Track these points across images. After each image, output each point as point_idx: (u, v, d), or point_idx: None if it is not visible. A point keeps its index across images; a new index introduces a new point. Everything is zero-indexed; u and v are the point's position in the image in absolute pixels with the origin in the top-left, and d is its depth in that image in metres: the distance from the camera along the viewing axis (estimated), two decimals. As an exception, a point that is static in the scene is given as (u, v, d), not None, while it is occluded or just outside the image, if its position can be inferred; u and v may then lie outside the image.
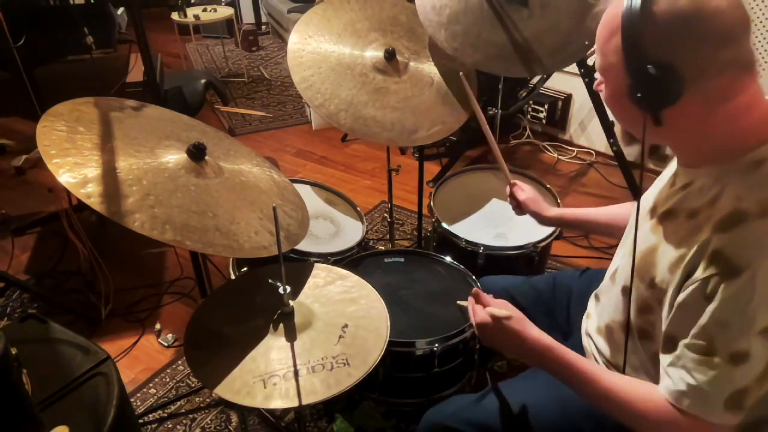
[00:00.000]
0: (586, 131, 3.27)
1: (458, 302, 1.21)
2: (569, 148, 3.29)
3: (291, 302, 1.14)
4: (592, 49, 1.29)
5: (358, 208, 1.95)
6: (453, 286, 1.54)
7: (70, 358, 1.11)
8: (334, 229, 1.87)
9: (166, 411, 1.83)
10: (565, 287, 1.39)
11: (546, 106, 3.24)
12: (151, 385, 1.92)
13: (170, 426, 1.78)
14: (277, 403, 1.01)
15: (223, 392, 1.03)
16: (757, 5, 2.43)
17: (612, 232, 1.30)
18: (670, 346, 0.86)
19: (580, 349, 1.17)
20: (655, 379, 0.97)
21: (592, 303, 1.20)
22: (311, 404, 1.07)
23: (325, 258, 1.62)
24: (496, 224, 1.82)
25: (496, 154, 1.50)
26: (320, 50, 1.73)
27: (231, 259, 1.81)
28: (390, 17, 1.87)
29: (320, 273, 1.33)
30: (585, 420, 1.07)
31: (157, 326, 2.13)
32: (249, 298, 1.24)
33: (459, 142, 2.99)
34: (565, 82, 3.20)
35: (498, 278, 1.52)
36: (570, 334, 1.31)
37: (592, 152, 3.23)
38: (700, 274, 0.80)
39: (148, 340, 2.10)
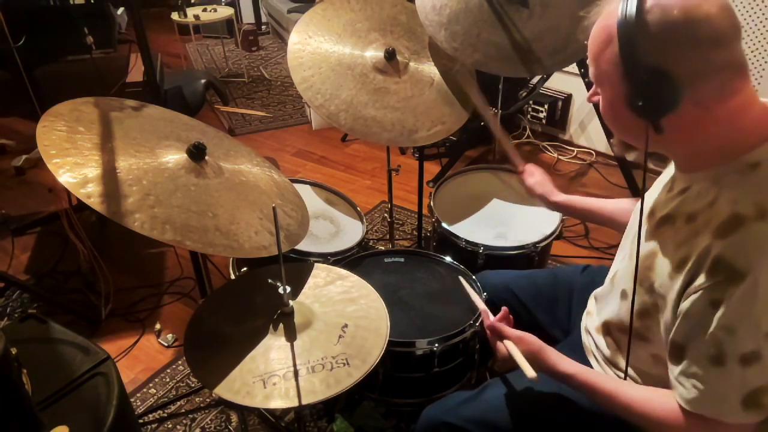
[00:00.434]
0: (586, 131, 3.27)
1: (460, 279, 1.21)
2: (569, 148, 3.29)
3: (291, 302, 1.14)
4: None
5: (358, 208, 1.95)
6: (453, 286, 1.54)
7: (70, 358, 1.11)
8: (334, 229, 1.87)
9: (166, 411, 1.83)
10: (566, 283, 1.39)
11: (546, 106, 3.23)
12: (151, 385, 1.92)
13: (170, 426, 1.78)
14: (277, 403, 1.02)
15: (223, 392, 1.03)
16: (752, 11, 2.44)
17: (612, 225, 1.31)
18: (678, 354, 0.86)
19: (580, 346, 1.18)
20: (655, 379, 0.97)
21: (592, 302, 1.21)
22: (311, 404, 1.07)
23: (325, 258, 1.62)
24: (496, 224, 1.82)
25: (504, 141, 1.51)
26: (320, 50, 1.73)
27: (231, 259, 1.81)
28: (390, 17, 1.87)
29: (320, 273, 1.33)
30: (584, 414, 1.07)
31: (157, 326, 2.13)
32: (249, 298, 1.24)
33: (459, 142, 2.99)
34: (565, 82, 3.20)
35: (499, 273, 1.52)
36: (570, 331, 1.31)
37: (592, 152, 3.23)
38: (702, 281, 0.80)
39: (148, 340, 2.10)
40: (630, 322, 0.94)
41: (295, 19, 1.77)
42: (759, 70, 2.54)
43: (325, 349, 1.11)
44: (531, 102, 3.24)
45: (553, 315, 1.37)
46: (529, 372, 1.03)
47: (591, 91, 0.92)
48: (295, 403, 1.01)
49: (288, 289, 1.12)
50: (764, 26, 2.46)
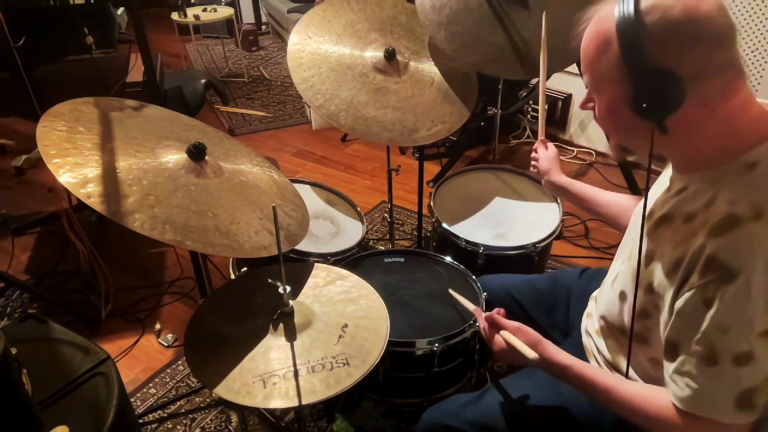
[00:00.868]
0: (586, 131, 3.27)
1: (450, 292, 1.20)
2: (569, 148, 3.29)
3: (291, 302, 1.14)
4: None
5: (358, 208, 1.95)
6: (453, 286, 1.54)
7: (70, 358, 1.11)
8: (334, 229, 1.87)
9: (166, 411, 1.83)
10: (565, 286, 1.39)
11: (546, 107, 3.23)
12: (151, 385, 1.92)
13: (170, 426, 1.78)
14: (277, 403, 1.01)
15: (222, 392, 1.03)
16: (752, 11, 2.44)
17: (605, 217, 1.32)
18: (672, 352, 0.86)
19: (580, 348, 1.18)
20: (654, 382, 0.97)
21: (592, 304, 1.21)
22: (311, 404, 1.07)
23: (325, 258, 1.62)
24: (496, 224, 1.82)
25: (541, 108, 1.51)
26: (320, 51, 1.73)
27: (231, 259, 1.81)
28: (390, 17, 1.87)
29: (320, 273, 1.33)
30: (584, 419, 1.07)
31: (157, 326, 2.13)
32: (249, 298, 1.24)
33: (459, 142, 2.99)
34: (565, 82, 3.20)
35: (498, 277, 1.52)
36: (569, 333, 1.31)
37: (592, 152, 3.23)
38: (696, 280, 0.80)
39: (148, 340, 2.10)
40: (631, 323, 0.95)
41: (295, 19, 1.77)
42: (759, 70, 2.54)
43: (325, 349, 1.11)
44: (531, 102, 3.25)
45: (553, 318, 1.37)
46: (530, 353, 1.01)
47: (584, 98, 0.92)
48: (295, 403, 1.01)
49: (288, 289, 1.12)
50: (764, 26, 2.46)
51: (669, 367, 0.87)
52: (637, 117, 0.82)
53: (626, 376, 1.01)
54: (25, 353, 1.01)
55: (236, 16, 5.17)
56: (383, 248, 2.32)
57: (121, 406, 1.04)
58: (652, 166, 0.86)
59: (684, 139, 0.85)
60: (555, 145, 1.50)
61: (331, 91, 1.67)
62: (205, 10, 4.33)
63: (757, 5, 2.44)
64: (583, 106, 0.93)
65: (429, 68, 1.82)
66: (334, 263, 1.49)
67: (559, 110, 3.26)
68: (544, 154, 1.47)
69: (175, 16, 4.26)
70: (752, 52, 2.52)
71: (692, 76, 0.77)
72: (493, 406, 1.14)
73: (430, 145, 1.78)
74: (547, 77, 1.53)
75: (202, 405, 1.84)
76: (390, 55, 1.74)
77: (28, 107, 2.02)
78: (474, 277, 1.54)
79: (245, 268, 1.66)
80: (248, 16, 5.54)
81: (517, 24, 1.69)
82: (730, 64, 0.79)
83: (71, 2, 2.46)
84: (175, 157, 1.25)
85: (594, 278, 1.34)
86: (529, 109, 3.31)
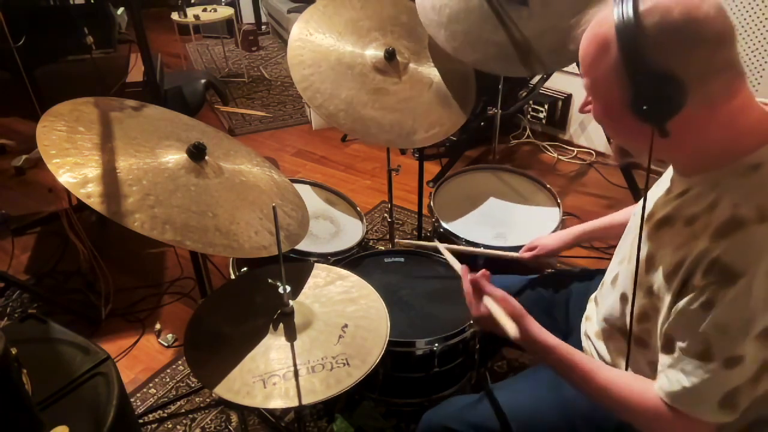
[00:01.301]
0: (586, 131, 3.26)
1: (438, 245, 1.16)
2: (569, 148, 3.29)
3: (291, 302, 1.14)
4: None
5: (358, 208, 1.95)
6: (453, 286, 1.54)
7: (70, 358, 1.11)
8: (334, 229, 1.87)
9: (166, 411, 1.83)
10: (565, 287, 1.39)
11: (546, 106, 3.23)
12: (151, 385, 1.92)
13: (170, 426, 1.78)
14: (277, 403, 1.02)
15: (223, 392, 1.03)
16: (752, 11, 2.44)
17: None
18: (668, 347, 0.86)
19: (579, 350, 1.17)
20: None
21: (591, 306, 1.20)
22: (311, 404, 1.07)
23: (325, 258, 1.62)
24: (496, 224, 1.82)
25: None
26: (320, 48, 1.72)
27: (231, 259, 1.81)
28: (390, 17, 1.87)
29: (320, 273, 1.33)
30: (585, 422, 1.07)
31: (157, 326, 2.13)
32: (249, 298, 1.24)
33: (459, 142, 2.99)
34: (565, 82, 3.20)
35: (497, 277, 1.52)
36: (569, 335, 1.31)
37: (592, 152, 3.23)
38: (698, 282, 0.80)
39: (148, 340, 2.10)
40: (626, 323, 0.94)
41: (295, 19, 1.77)
42: (759, 70, 2.54)
43: (325, 349, 1.11)
44: (531, 102, 3.24)
45: (553, 319, 1.36)
46: (512, 330, 0.98)
47: (584, 100, 0.92)
48: (295, 403, 1.01)
49: (288, 289, 1.12)
50: (764, 26, 2.46)
51: (664, 360, 0.87)
52: (637, 120, 0.82)
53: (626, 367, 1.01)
54: (25, 353, 1.01)
55: (236, 16, 5.17)
56: (383, 248, 2.32)
57: (121, 406, 1.03)
58: (653, 167, 0.86)
59: (685, 141, 0.84)
60: (555, 146, 1.50)
61: (330, 91, 1.66)
62: (205, 10, 4.33)
63: (757, 5, 2.44)
64: (582, 109, 0.92)
65: (428, 70, 1.82)
66: (334, 263, 1.49)
67: (559, 110, 3.26)
68: (543, 240, 1.48)
69: (175, 16, 4.26)
70: (752, 52, 2.52)
71: (692, 79, 0.77)
72: (495, 408, 1.13)
73: (430, 145, 1.78)
74: (548, 77, 1.53)
75: (202, 405, 1.84)
76: (390, 55, 1.74)
77: (28, 107, 2.02)
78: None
79: (245, 268, 1.66)
80: (248, 16, 5.53)
81: (517, 22, 1.69)
82: (730, 66, 0.79)
83: (71, 2, 2.47)
84: (175, 157, 1.25)
85: (594, 279, 1.34)
86: (529, 109, 3.31)
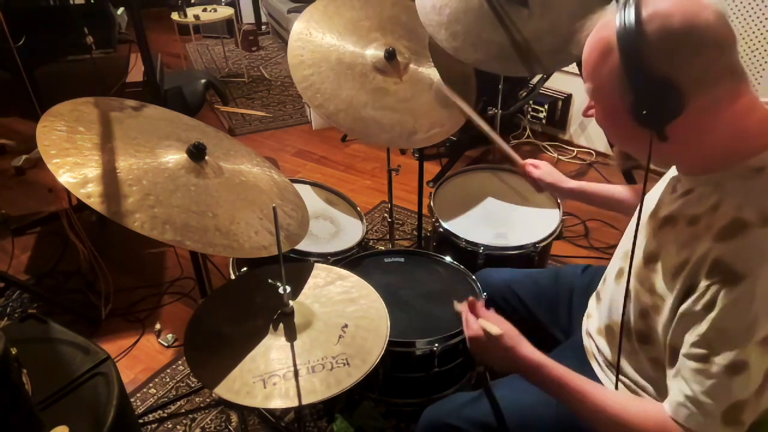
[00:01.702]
0: (586, 131, 3.27)
1: (455, 303, 1.22)
2: (569, 148, 3.29)
3: (291, 302, 1.14)
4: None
5: (358, 208, 1.95)
6: (453, 286, 1.54)
7: (70, 358, 1.11)
8: (334, 229, 1.87)
9: (166, 411, 1.83)
10: (568, 282, 1.39)
11: (546, 106, 3.23)
12: (151, 385, 1.92)
13: (170, 426, 1.78)
14: (277, 403, 1.02)
15: (223, 392, 1.03)
16: (752, 11, 2.44)
17: (624, 209, 1.32)
18: (673, 359, 0.86)
19: (581, 349, 1.18)
20: (655, 383, 0.97)
21: (593, 302, 1.20)
22: (311, 404, 1.07)
23: (325, 258, 1.62)
24: (496, 224, 1.82)
25: (501, 142, 1.51)
26: (321, 48, 1.72)
27: (231, 259, 1.81)
28: (391, 17, 1.87)
29: (320, 273, 1.33)
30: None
31: (157, 326, 2.13)
32: (249, 298, 1.24)
33: (459, 142, 2.99)
34: (565, 82, 3.20)
35: (499, 271, 1.52)
36: (571, 332, 1.31)
37: (592, 152, 3.23)
38: (700, 283, 0.80)
39: (148, 340, 2.10)
40: (621, 325, 0.95)
41: (294, 19, 1.76)
42: (759, 70, 2.54)
43: (325, 349, 1.11)
44: (531, 102, 3.24)
45: (554, 314, 1.37)
46: (494, 329, 1.03)
47: (587, 105, 0.92)
48: (295, 403, 1.01)
49: (288, 289, 1.12)
50: (764, 26, 2.46)
51: (668, 373, 0.87)
52: (637, 124, 0.82)
53: (617, 370, 1.01)
54: (25, 353, 1.01)
55: (236, 16, 5.17)
56: (383, 248, 2.32)
57: (121, 406, 1.04)
58: (654, 167, 0.86)
59: (686, 145, 0.84)
60: (555, 146, 1.50)
61: (330, 91, 1.66)
62: (205, 10, 4.33)
63: (757, 5, 2.44)
64: (585, 113, 0.93)
65: (428, 71, 1.82)
66: (334, 263, 1.49)
67: (559, 110, 3.26)
68: (541, 172, 1.48)
69: (175, 16, 4.26)
70: (752, 52, 2.52)
71: (692, 85, 0.77)
72: (494, 405, 1.14)
73: (431, 145, 1.78)
74: (548, 77, 1.53)
75: (202, 405, 1.84)
76: (390, 55, 1.74)
77: (28, 107, 2.02)
78: (474, 277, 1.54)
79: (245, 268, 1.66)
80: (248, 16, 5.53)
81: (517, 22, 1.69)
82: (730, 71, 0.79)
83: (71, 2, 2.47)
84: (175, 157, 1.25)
85: (596, 275, 1.33)
86: (529, 109, 3.31)
